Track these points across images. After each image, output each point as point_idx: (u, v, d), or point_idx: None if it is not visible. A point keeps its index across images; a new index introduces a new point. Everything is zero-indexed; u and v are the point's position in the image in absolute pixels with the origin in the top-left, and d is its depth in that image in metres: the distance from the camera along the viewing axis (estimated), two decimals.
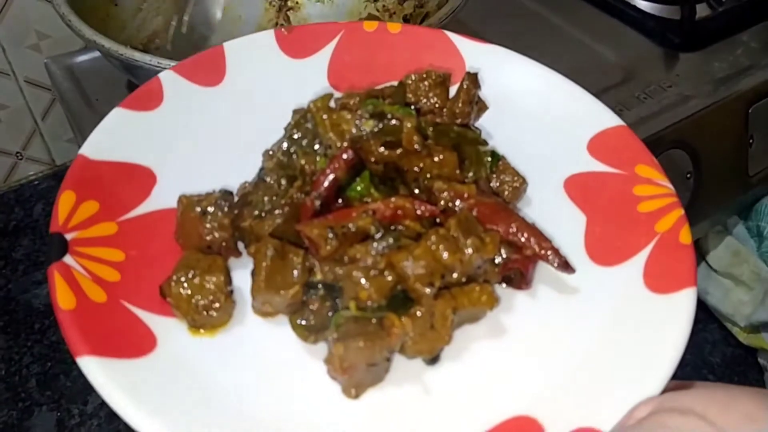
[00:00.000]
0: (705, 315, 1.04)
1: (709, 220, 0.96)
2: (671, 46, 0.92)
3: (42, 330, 0.91)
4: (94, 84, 0.85)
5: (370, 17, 0.84)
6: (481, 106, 0.53)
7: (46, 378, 0.87)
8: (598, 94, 0.79)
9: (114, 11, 0.81)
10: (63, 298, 0.38)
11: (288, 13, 0.93)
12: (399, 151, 0.44)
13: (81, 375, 0.86)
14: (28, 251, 0.99)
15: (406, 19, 0.85)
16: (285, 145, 0.47)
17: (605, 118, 0.53)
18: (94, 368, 0.37)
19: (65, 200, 0.43)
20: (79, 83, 0.85)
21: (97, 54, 0.87)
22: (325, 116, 0.46)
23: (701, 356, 1.01)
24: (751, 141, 0.89)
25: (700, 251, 1.01)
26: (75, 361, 0.87)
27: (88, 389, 0.85)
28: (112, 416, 0.82)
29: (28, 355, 0.89)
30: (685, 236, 0.45)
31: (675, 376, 0.38)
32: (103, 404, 0.82)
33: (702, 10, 0.96)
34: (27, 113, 1.00)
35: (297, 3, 0.93)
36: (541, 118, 0.55)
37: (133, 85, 0.79)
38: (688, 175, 0.84)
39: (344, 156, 0.44)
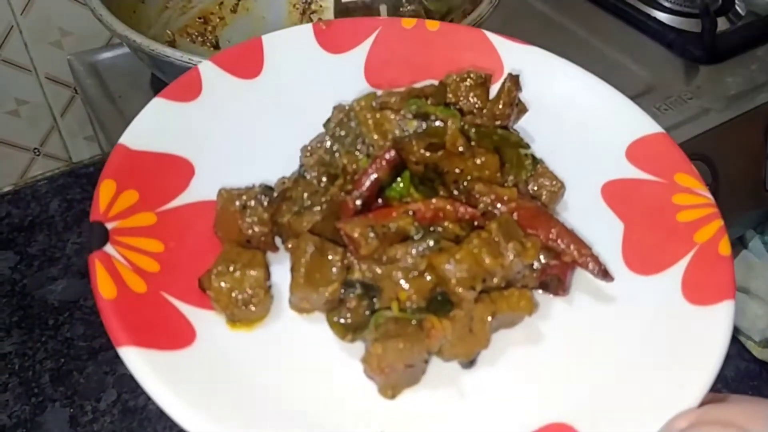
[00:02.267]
0: None
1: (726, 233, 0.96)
2: (692, 58, 0.92)
3: (56, 326, 0.90)
4: (117, 81, 0.85)
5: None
6: (521, 108, 0.53)
7: (60, 374, 0.86)
8: None
9: (141, 8, 0.82)
10: (104, 287, 0.39)
11: (311, 16, 0.93)
12: (441, 152, 0.44)
13: (94, 372, 0.86)
14: (44, 247, 0.98)
15: None
16: (328, 143, 0.47)
17: (644, 125, 0.53)
18: (136, 359, 0.37)
19: (106, 189, 0.43)
20: (102, 80, 0.85)
21: (120, 51, 0.88)
22: (368, 116, 0.47)
23: None
24: None
25: None
26: (89, 358, 0.85)
27: (101, 386, 0.83)
28: (125, 413, 0.82)
29: (41, 351, 0.88)
30: (725, 247, 0.45)
31: None
32: (116, 402, 0.82)
33: (722, 24, 0.96)
34: (46, 109, 1.00)
35: (321, 6, 0.94)
36: (579, 121, 0.55)
37: (156, 82, 0.81)
38: (708, 187, 0.84)
39: (387, 156, 0.44)
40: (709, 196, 0.48)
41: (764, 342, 0.98)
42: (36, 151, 1.03)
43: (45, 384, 0.85)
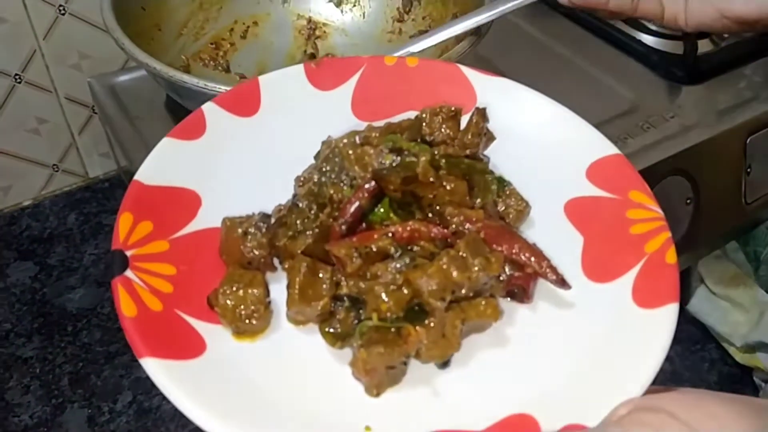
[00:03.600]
0: (703, 335, 1.06)
1: (708, 244, 0.99)
2: (674, 79, 0.95)
3: (74, 332, 0.94)
4: (134, 102, 0.89)
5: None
6: (489, 137, 0.56)
7: (78, 377, 0.90)
8: (605, 123, 0.82)
9: (158, 36, 0.86)
10: (126, 307, 0.43)
11: (316, 41, 0.97)
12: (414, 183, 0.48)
13: (111, 375, 0.91)
14: (62, 258, 1.02)
15: None
16: (316, 176, 0.51)
17: (603, 147, 0.57)
18: (155, 368, 0.41)
19: (124, 221, 0.48)
20: (120, 101, 0.89)
21: (137, 74, 0.92)
22: (351, 152, 0.51)
23: (699, 374, 1.03)
24: (748, 170, 0.92)
25: (700, 275, 1.04)
26: (106, 362, 0.89)
27: (117, 388, 0.88)
28: (140, 414, 0.87)
29: (61, 356, 0.92)
30: (671, 256, 0.49)
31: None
32: (132, 403, 0.88)
33: (705, 46, 0.99)
34: (65, 128, 1.05)
35: (324, 32, 0.98)
36: (544, 146, 0.58)
37: (171, 103, 0.86)
38: (688, 201, 0.88)
39: (367, 186, 0.48)
40: (659, 210, 0.52)
41: (745, 347, 1.01)
42: (55, 167, 1.08)
43: (64, 386, 0.89)
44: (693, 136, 0.87)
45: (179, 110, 0.79)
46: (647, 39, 1.01)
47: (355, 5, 1.00)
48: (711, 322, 1.04)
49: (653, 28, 1.02)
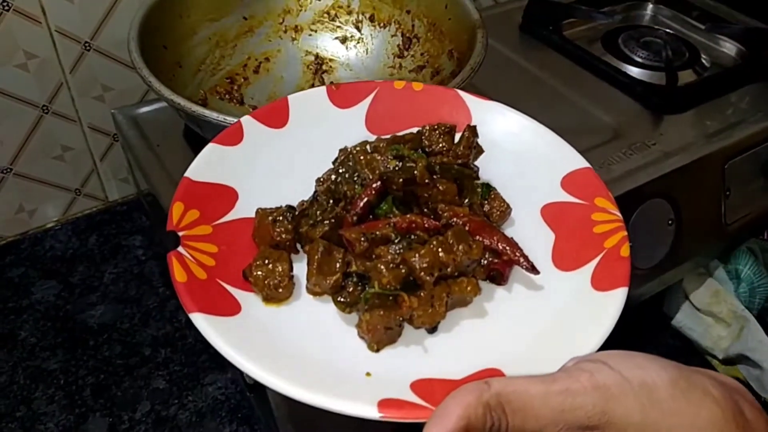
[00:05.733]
0: (688, 349, 1.14)
1: (691, 262, 1.08)
2: (656, 108, 1.06)
3: (96, 346, 1.00)
4: (154, 131, 0.99)
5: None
6: (479, 150, 0.67)
7: (100, 388, 0.96)
8: (592, 149, 0.92)
9: (178, 72, 0.96)
10: (178, 274, 0.53)
11: (323, 75, 1.07)
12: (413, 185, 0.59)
13: (131, 386, 1.03)
14: (84, 276, 1.09)
15: None
16: (333, 176, 0.62)
17: (576, 161, 0.67)
18: (200, 320, 0.51)
19: (177, 209, 0.58)
20: (142, 131, 0.99)
21: (157, 106, 1.02)
22: (362, 157, 0.62)
23: None
24: (727, 193, 1.02)
25: (685, 291, 1.13)
26: (126, 374, 1.00)
27: (136, 398, 0.95)
28: (158, 422, 0.98)
29: (83, 368, 0.98)
30: (625, 251, 0.57)
31: None
32: (150, 412, 1.00)
33: (689, 76, 1.11)
34: (87, 155, 1.14)
35: (330, 67, 1.08)
36: (526, 159, 0.68)
37: (188, 133, 0.94)
38: (670, 222, 0.98)
39: (374, 186, 0.59)
40: (618, 214, 0.62)
41: (726, 360, 1.10)
42: (77, 191, 1.17)
43: (87, 397, 0.96)
44: (673, 161, 0.97)
45: (196, 138, 0.88)
46: (632, 70, 1.12)
47: (359, 42, 1.11)
48: (695, 337, 1.13)
49: (639, 60, 1.13)
